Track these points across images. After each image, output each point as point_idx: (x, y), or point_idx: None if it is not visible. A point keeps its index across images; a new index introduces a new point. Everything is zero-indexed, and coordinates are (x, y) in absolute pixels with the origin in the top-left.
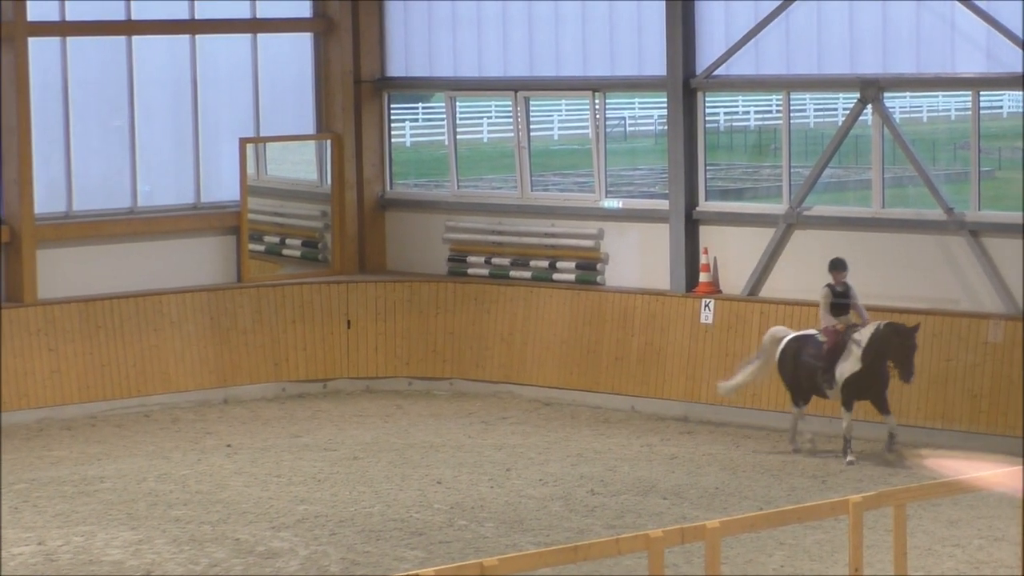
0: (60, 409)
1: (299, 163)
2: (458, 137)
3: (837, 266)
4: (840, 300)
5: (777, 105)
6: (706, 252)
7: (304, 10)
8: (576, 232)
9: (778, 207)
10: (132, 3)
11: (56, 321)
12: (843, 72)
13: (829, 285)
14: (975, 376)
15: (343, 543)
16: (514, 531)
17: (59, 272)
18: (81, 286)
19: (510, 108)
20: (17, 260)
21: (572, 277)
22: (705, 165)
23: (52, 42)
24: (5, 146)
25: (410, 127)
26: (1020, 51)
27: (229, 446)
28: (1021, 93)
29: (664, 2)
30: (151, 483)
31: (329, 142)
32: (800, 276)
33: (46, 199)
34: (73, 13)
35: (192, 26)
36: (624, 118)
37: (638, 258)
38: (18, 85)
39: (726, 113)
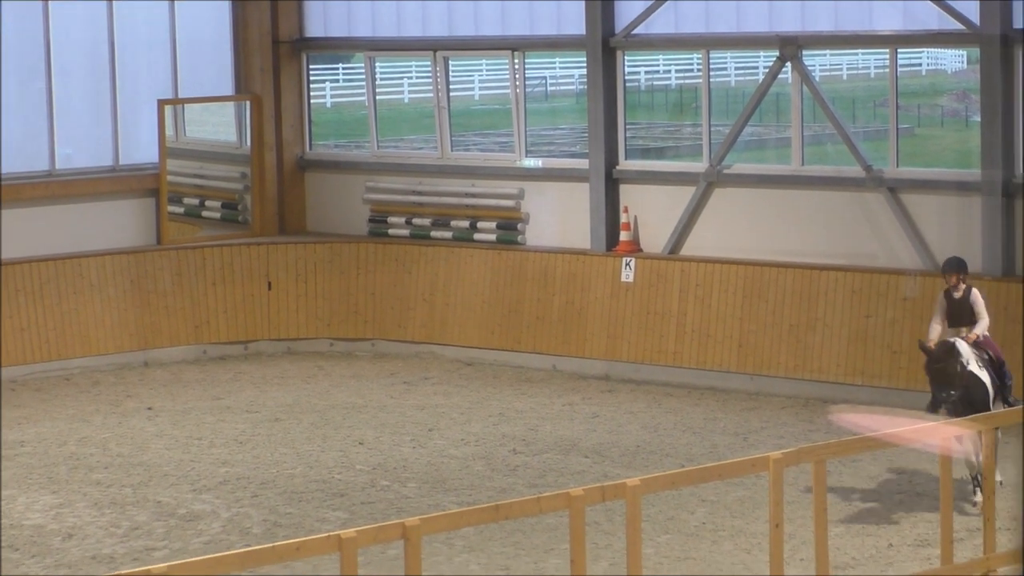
0: None
1: (218, 125)
2: (378, 98)
3: (948, 267)
4: (958, 309)
5: (697, 64)
6: (626, 211)
7: None
8: (497, 192)
9: (698, 165)
10: None
11: None
12: (762, 30)
13: (945, 290)
14: (894, 332)
15: (265, 505)
16: (436, 491)
17: None
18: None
19: (430, 68)
20: None
21: (493, 237)
22: (625, 124)
23: None
24: None
25: (330, 88)
26: (936, 8)
27: (150, 409)
28: (940, 50)
29: None
30: (72, 447)
31: (248, 103)
32: (721, 234)
33: None
34: None
35: None
36: (545, 78)
37: (559, 217)
38: None
39: (646, 72)
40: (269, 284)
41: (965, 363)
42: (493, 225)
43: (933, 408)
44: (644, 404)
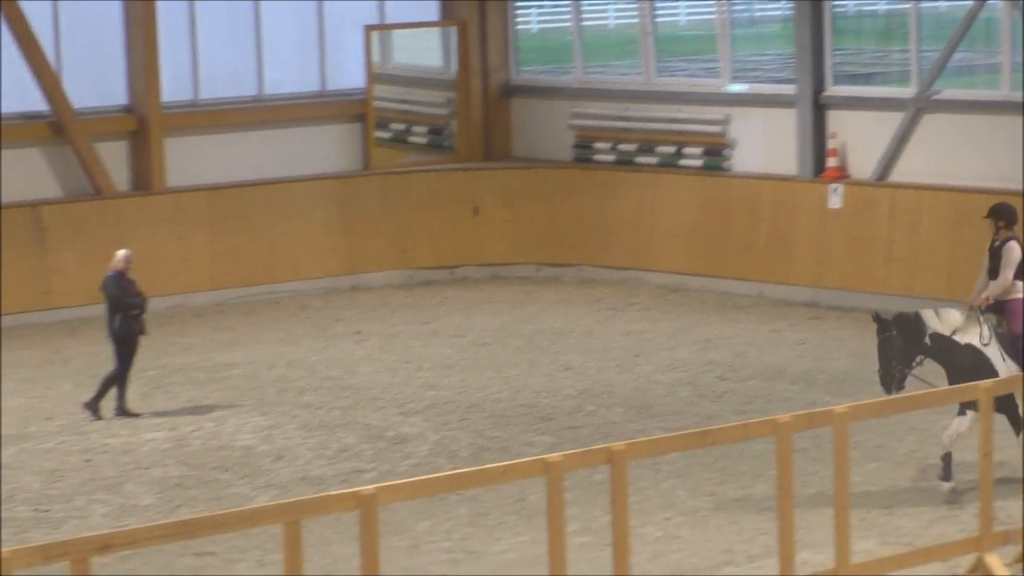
0: (190, 296)
1: (424, 50)
2: (583, 23)
3: (989, 213)
4: (993, 260)
5: None
6: (834, 136)
7: None
8: (702, 118)
9: (907, 91)
10: None
11: (185, 209)
12: None
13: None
14: None
15: (472, 428)
16: (643, 416)
17: (187, 160)
18: (209, 174)
19: None
20: (145, 149)
21: (699, 163)
22: (832, 49)
23: None
24: (132, 36)
25: (537, 13)
26: None
27: (358, 332)
28: None
29: None
30: (281, 369)
31: (454, 29)
32: (929, 160)
33: (173, 88)
34: None
35: None
36: (751, 3)
37: (765, 143)
38: None
39: None
40: (475, 209)
41: (943, 333)
42: (699, 151)
43: (883, 387)
44: (852, 331)
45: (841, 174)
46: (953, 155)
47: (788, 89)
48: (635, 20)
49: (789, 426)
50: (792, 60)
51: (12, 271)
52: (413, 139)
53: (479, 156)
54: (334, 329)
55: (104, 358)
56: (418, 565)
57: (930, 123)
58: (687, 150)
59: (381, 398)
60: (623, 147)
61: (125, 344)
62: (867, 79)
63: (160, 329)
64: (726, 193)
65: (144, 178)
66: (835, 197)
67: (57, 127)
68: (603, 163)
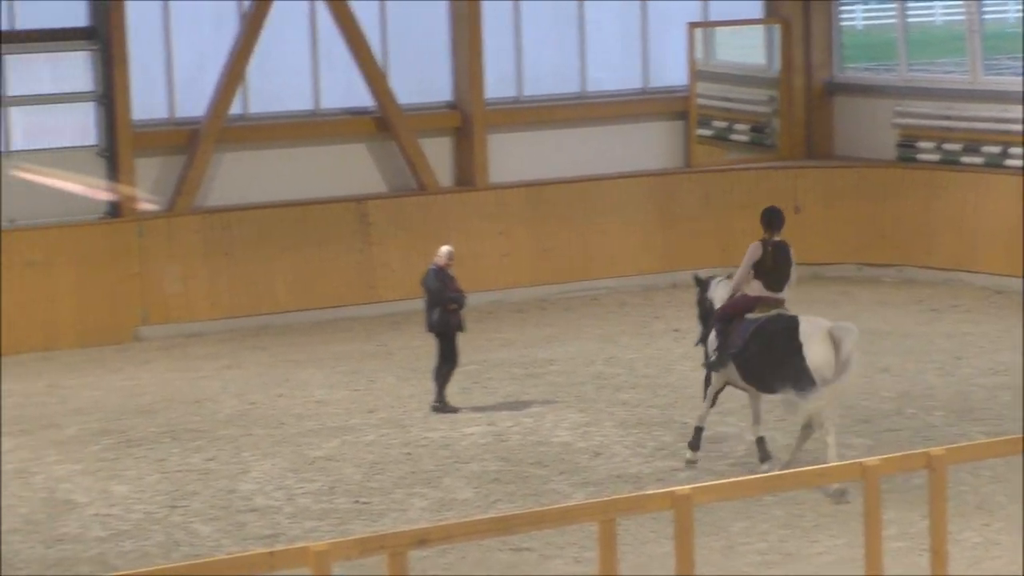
0: (510, 292)
1: (746, 48)
2: (909, 20)
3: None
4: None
5: None
6: None
7: None
8: None
9: None
10: None
11: (506, 205)
12: None
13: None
14: None
15: (790, 429)
16: (963, 420)
17: (509, 156)
18: (530, 170)
19: None
20: (468, 145)
21: None
22: None
23: None
24: (456, 34)
25: (862, 10)
26: None
27: (677, 330)
28: None
29: None
30: (599, 366)
31: (777, 27)
32: None
33: (496, 85)
34: None
35: None
36: None
37: None
38: None
39: None
40: (797, 208)
41: (714, 302)
42: None
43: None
44: None
45: None
46: None
47: None
48: (962, 17)
49: None
50: None
51: (338, 264)
52: (735, 137)
53: (801, 154)
54: (652, 327)
55: (426, 352)
56: (733, 566)
57: None
58: (1012, 150)
59: (698, 396)
60: (947, 146)
61: (443, 339)
62: None
63: (480, 324)
64: None
65: (467, 174)
66: None
67: (383, 123)
68: (927, 162)
